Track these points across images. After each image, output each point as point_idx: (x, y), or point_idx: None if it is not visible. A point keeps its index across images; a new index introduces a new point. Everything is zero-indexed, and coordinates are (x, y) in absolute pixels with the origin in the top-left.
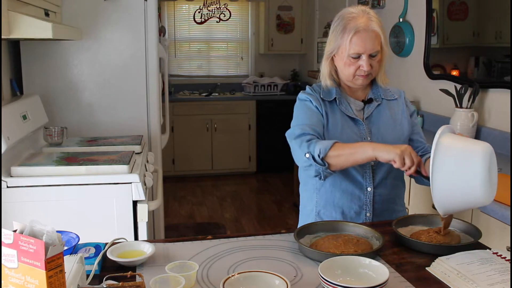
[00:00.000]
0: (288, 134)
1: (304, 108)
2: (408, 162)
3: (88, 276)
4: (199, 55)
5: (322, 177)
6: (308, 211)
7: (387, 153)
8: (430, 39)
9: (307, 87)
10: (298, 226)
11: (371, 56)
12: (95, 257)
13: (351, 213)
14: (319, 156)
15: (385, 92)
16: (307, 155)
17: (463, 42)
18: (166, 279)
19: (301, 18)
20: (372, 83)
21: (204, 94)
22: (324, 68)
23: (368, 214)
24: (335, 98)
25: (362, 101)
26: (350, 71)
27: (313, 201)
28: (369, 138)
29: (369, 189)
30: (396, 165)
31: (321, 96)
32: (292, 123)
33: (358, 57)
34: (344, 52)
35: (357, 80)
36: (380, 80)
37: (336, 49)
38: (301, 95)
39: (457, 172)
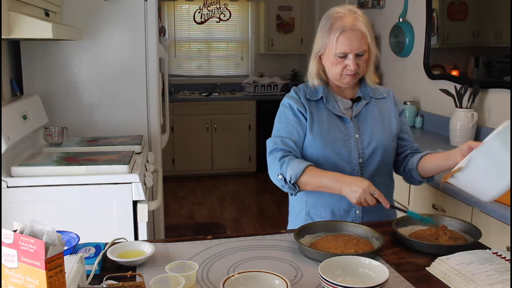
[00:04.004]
0: (267, 143)
1: (282, 117)
2: (369, 203)
3: (88, 276)
4: (199, 55)
5: (294, 194)
6: (298, 211)
7: (350, 196)
8: (430, 39)
9: (292, 89)
10: (288, 227)
11: (357, 56)
12: (95, 257)
13: (341, 211)
14: (290, 181)
15: (374, 91)
16: (280, 176)
17: (463, 42)
18: (166, 279)
19: (301, 18)
20: (361, 82)
21: (204, 94)
22: (312, 67)
23: (357, 212)
24: (322, 97)
25: (351, 99)
26: (337, 70)
27: (303, 201)
28: (357, 136)
29: None
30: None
31: (307, 96)
32: (272, 132)
33: (344, 56)
34: (331, 52)
35: (344, 79)
36: (369, 79)
37: (323, 48)
38: (284, 100)
39: (486, 172)
